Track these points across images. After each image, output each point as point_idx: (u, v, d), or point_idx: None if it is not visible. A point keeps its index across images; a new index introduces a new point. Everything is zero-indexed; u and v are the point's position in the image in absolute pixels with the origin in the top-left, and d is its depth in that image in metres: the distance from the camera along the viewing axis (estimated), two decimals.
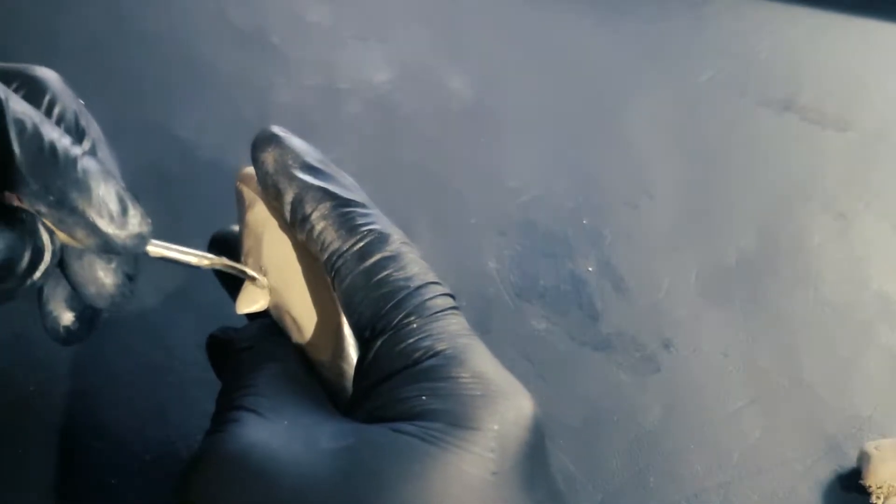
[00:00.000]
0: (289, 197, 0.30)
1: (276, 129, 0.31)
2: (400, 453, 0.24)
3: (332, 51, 0.65)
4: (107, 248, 0.27)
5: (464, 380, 0.26)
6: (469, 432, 0.25)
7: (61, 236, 0.27)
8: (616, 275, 0.53)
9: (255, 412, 0.27)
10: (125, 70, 0.61)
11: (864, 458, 0.44)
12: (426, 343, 0.27)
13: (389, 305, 0.28)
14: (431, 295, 0.28)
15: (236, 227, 0.35)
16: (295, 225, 0.30)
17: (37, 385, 0.44)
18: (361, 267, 0.28)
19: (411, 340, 0.27)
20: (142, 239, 0.27)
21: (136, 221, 0.27)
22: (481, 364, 0.26)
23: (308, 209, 0.29)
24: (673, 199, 0.58)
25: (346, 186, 0.30)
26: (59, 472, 0.41)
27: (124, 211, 0.27)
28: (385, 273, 0.28)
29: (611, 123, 0.63)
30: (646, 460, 0.45)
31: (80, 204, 0.26)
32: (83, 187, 0.26)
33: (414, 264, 0.29)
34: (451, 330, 0.27)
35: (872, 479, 0.43)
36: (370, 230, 0.29)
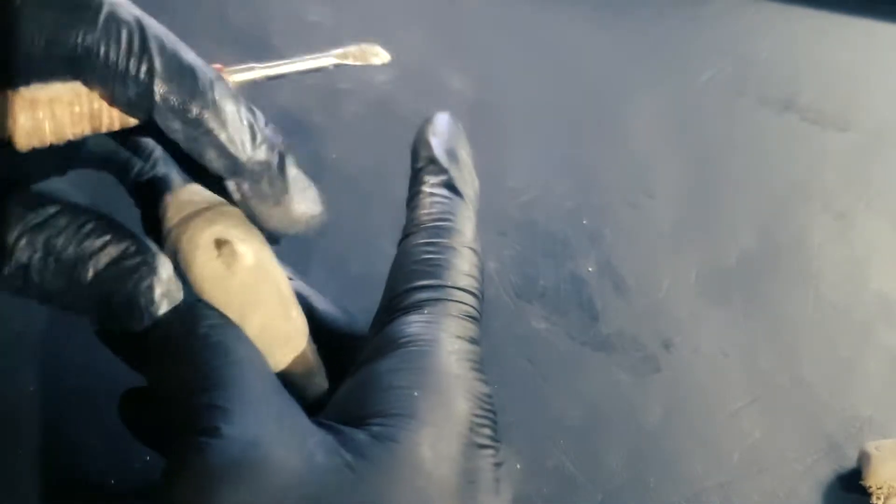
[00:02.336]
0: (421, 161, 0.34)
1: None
2: (394, 469, 0.25)
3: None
4: (234, 169, 0.27)
5: (431, 376, 0.27)
6: (432, 429, 0.26)
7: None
8: (616, 275, 0.53)
9: (230, 412, 0.26)
10: None
11: (864, 458, 0.44)
12: (413, 329, 0.29)
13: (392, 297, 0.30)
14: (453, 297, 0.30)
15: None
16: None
17: (37, 385, 0.44)
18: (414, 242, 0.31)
19: (405, 326, 0.29)
20: (266, 166, 0.28)
21: (263, 148, 0.27)
22: (443, 358, 0.28)
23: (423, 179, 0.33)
24: (673, 199, 0.58)
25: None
26: (59, 472, 0.41)
27: (254, 137, 0.27)
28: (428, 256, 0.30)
29: (611, 123, 0.63)
30: (646, 460, 0.45)
31: (215, 124, 0.26)
32: (218, 108, 0.26)
33: (467, 265, 0.31)
34: (421, 330, 0.29)
35: (873, 480, 0.43)
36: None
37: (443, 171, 0.33)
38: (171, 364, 0.28)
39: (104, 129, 0.26)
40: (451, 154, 0.34)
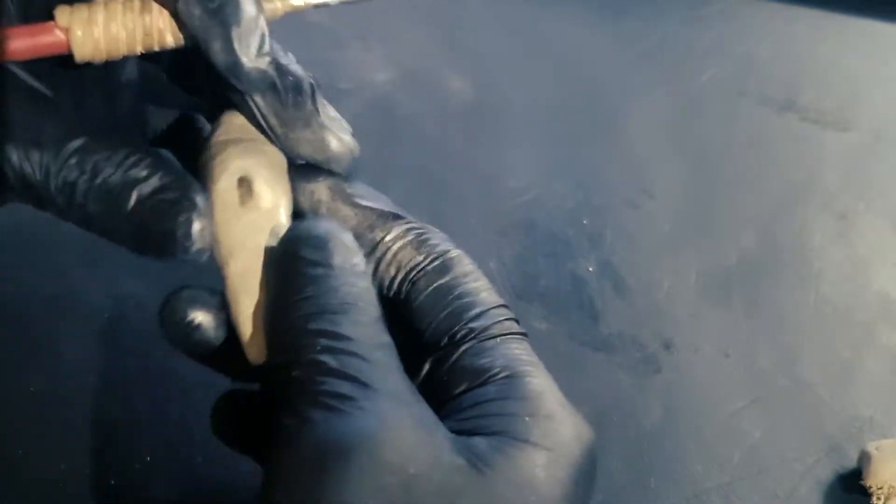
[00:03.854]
0: (351, 223, 0.31)
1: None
2: (515, 482, 0.25)
3: (332, 51, 0.65)
4: (231, 69, 0.28)
5: (534, 402, 0.27)
6: (544, 451, 0.26)
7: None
8: (616, 275, 0.53)
9: (371, 389, 0.25)
10: None
11: (864, 458, 0.44)
12: (500, 362, 0.28)
13: (470, 316, 0.29)
14: (504, 317, 0.30)
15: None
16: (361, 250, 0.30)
17: (37, 386, 0.44)
18: (442, 280, 0.30)
19: (490, 358, 0.28)
20: (263, 78, 0.29)
21: (265, 60, 0.29)
22: (549, 390, 0.28)
23: (379, 234, 0.30)
24: (673, 199, 0.58)
25: (403, 211, 0.32)
26: (59, 472, 0.41)
27: (261, 45, 0.28)
28: (465, 288, 0.30)
29: (611, 123, 0.63)
30: (646, 461, 0.45)
31: (230, 19, 0.28)
32: (238, 7, 0.28)
33: (486, 286, 0.30)
34: (522, 356, 0.29)
35: (873, 480, 0.43)
36: (445, 250, 0.31)
37: (395, 217, 0.31)
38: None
39: (156, 47, 0.29)
40: (367, 196, 0.31)
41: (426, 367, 0.29)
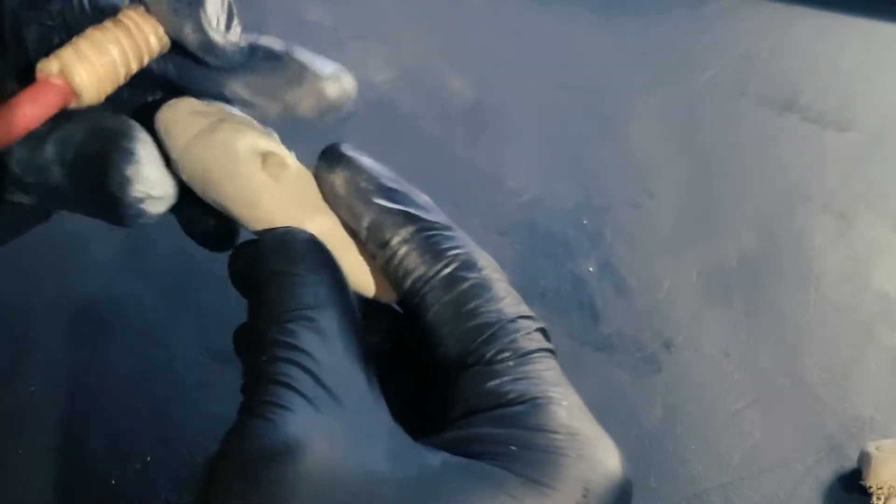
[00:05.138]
0: (365, 222, 0.28)
1: (346, 149, 0.31)
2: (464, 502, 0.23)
3: (332, 51, 0.65)
4: (205, 48, 0.28)
5: (555, 435, 0.25)
6: (550, 493, 0.23)
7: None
8: (617, 275, 0.53)
9: (305, 398, 0.24)
10: None
11: (865, 458, 0.44)
12: (519, 386, 0.26)
13: (481, 340, 0.27)
14: (525, 331, 0.27)
15: None
16: (374, 249, 0.29)
17: (37, 385, 0.44)
18: (449, 296, 0.27)
19: (504, 380, 0.26)
20: (239, 51, 0.29)
21: (237, 33, 0.29)
22: (574, 419, 0.25)
23: (388, 235, 0.28)
24: (673, 199, 0.58)
25: (425, 207, 0.29)
26: (59, 472, 0.41)
27: (230, 21, 0.29)
28: (475, 303, 0.27)
29: (611, 123, 0.63)
30: (646, 461, 0.45)
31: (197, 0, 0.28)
32: None
33: (505, 293, 0.27)
34: (545, 376, 0.26)
35: (873, 480, 0.43)
36: (457, 255, 0.28)
37: (406, 217, 0.28)
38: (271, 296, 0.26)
39: (146, 61, 0.29)
40: (386, 191, 0.29)
41: (447, 387, 0.27)
